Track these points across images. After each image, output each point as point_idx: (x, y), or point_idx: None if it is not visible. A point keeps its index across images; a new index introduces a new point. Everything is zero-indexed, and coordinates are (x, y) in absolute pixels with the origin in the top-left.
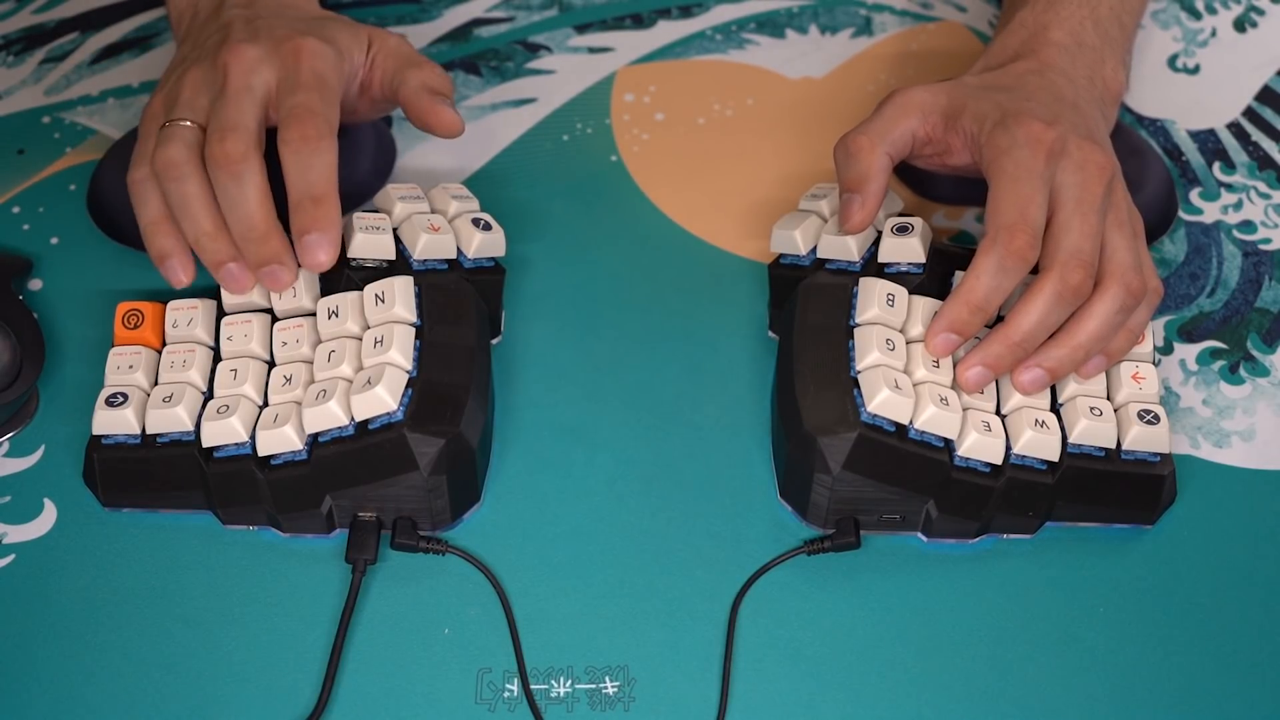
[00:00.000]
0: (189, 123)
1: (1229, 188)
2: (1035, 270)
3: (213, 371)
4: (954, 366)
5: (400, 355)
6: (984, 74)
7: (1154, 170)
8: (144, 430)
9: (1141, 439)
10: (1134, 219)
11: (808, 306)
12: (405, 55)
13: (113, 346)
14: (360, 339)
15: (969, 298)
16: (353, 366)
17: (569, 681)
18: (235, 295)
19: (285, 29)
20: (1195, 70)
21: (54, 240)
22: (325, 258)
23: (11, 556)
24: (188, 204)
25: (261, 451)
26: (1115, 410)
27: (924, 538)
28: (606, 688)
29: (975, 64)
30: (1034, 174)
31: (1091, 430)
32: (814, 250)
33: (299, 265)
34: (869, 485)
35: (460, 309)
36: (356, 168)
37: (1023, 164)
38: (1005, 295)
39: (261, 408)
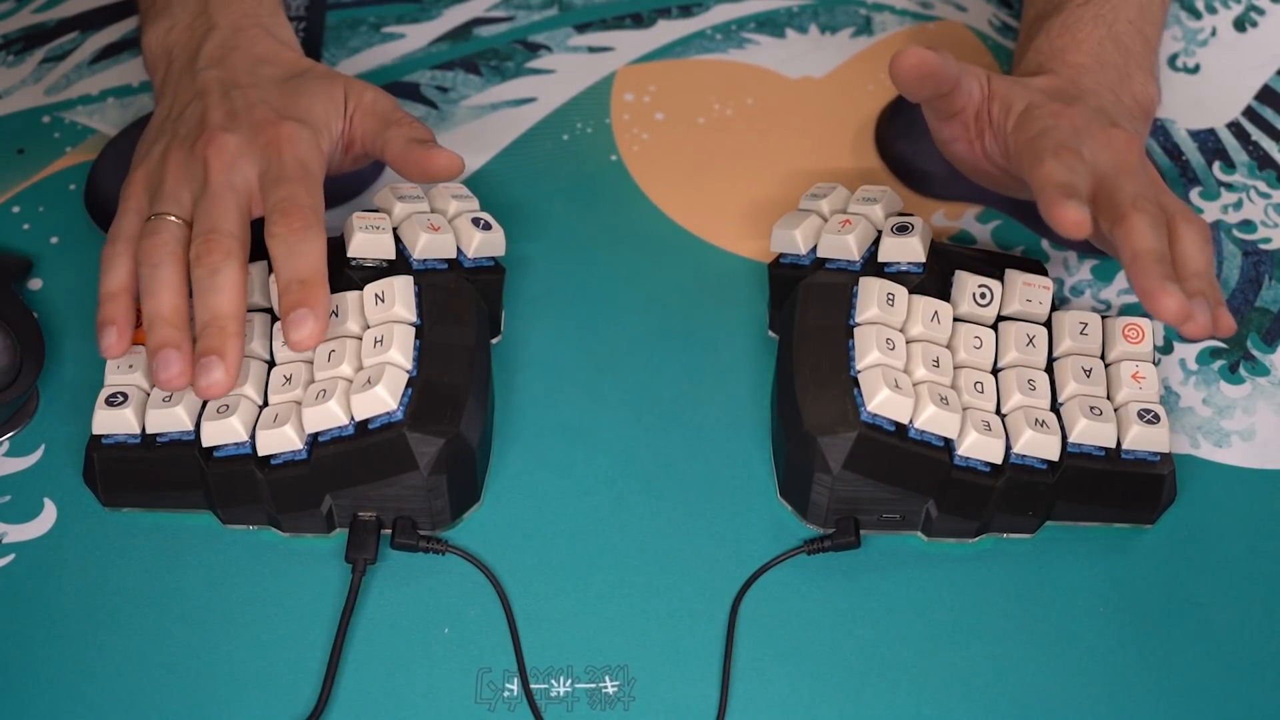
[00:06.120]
0: (174, 218)
1: (1229, 187)
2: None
3: None
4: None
5: (400, 355)
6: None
7: None
8: (144, 430)
9: (1141, 438)
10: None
11: (808, 306)
12: (383, 113)
13: None
14: (360, 338)
15: (1053, 189)
16: (353, 366)
17: (569, 681)
18: (161, 388)
19: (263, 109)
20: (1195, 70)
21: (54, 240)
22: (310, 329)
23: (11, 556)
24: (159, 286)
25: (261, 451)
26: (1115, 410)
27: (924, 537)
28: (606, 687)
29: None
30: (1065, 143)
31: (1091, 430)
32: (814, 250)
33: (241, 361)
34: (869, 485)
35: (460, 309)
36: None
37: (1051, 134)
38: (1087, 187)
39: (261, 407)
